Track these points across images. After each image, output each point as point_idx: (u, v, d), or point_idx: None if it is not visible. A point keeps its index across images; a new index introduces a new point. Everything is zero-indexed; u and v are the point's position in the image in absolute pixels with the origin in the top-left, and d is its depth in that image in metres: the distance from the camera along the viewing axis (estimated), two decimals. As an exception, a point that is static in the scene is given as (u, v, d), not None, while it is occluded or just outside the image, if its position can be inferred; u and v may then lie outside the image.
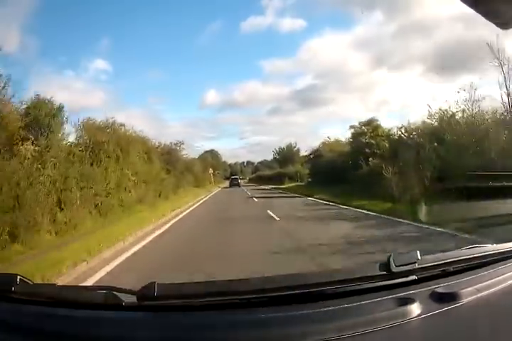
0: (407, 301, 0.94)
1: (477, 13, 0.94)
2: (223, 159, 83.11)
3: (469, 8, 0.92)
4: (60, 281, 4.67)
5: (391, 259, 1.03)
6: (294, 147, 59.35)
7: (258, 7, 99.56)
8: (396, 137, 17.63)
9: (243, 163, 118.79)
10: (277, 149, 63.30)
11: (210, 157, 63.95)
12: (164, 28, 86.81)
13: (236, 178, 51.82)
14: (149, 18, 77.58)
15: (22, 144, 9.35)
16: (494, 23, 0.96)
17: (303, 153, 46.69)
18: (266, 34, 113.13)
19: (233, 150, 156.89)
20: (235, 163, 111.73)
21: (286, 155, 58.83)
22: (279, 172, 50.68)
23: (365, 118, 23.51)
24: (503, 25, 0.98)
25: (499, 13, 0.94)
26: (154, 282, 0.96)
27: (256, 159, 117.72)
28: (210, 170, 44.63)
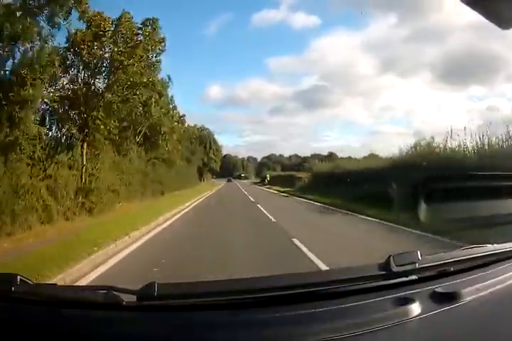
0: (407, 301, 0.94)
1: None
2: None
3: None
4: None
5: (391, 259, 1.03)
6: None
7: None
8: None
9: (243, 158, 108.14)
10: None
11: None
12: (172, 17, 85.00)
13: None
14: (155, 8, 76.17)
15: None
16: (494, 23, 0.96)
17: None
18: (276, 29, 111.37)
19: (232, 147, 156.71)
20: (235, 157, 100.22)
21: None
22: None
23: (367, 123, 22.01)
24: (503, 25, 0.98)
25: (499, 13, 0.94)
26: (154, 282, 0.96)
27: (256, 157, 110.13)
28: None
